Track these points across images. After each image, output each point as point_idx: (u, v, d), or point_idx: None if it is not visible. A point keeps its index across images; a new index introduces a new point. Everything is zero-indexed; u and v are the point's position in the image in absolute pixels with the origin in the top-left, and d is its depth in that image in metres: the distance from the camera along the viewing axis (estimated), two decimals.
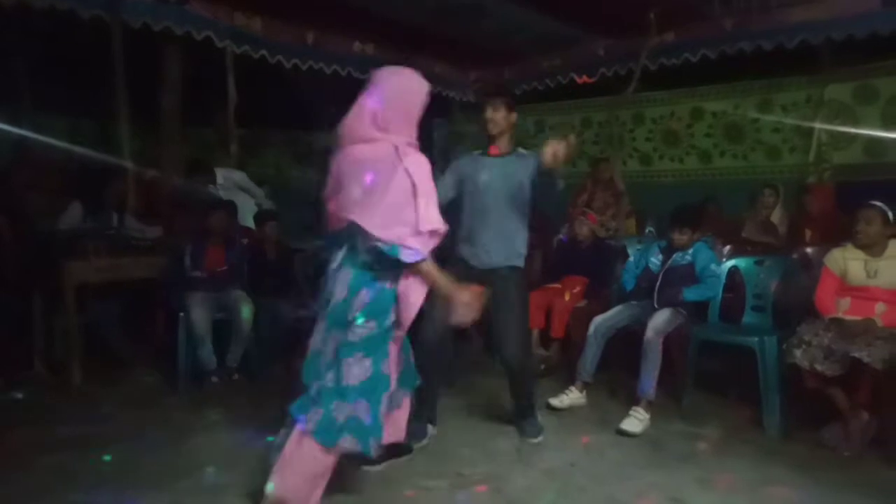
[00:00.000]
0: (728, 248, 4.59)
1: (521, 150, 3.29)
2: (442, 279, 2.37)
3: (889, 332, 3.09)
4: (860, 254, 3.33)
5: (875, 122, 5.42)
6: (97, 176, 4.94)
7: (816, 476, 2.87)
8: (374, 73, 2.44)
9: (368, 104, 2.37)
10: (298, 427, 2.37)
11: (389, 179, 2.27)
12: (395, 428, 2.63)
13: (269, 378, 4.35)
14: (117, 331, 4.65)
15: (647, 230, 5.66)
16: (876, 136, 5.38)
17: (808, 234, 4.87)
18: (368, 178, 2.29)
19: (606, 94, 6.67)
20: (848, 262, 3.34)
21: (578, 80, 6.32)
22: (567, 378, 3.97)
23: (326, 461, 2.38)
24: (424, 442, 3.21)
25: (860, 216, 3.32)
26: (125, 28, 4.69)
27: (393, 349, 2.46)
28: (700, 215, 4.12)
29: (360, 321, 2.35)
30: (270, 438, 2.65)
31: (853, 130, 5.49)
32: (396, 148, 2.31)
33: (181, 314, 4.16)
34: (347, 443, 2.35)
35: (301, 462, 2.36)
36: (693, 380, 3.73)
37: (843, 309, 3.32)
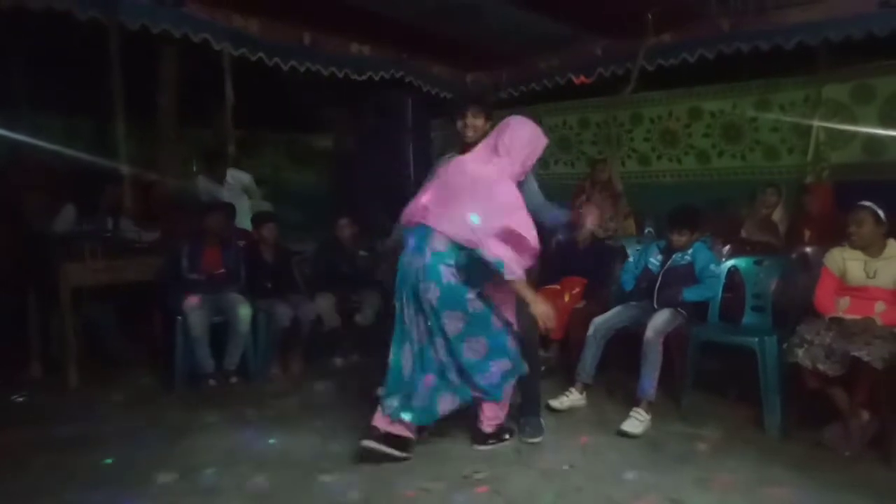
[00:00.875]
0: (727, 248, 4.58)
1: None
2: (529, 292, 2.89)
3: (888, 330, 3.09)
4: (859, 254, 3.31)
5: (872, 122, 5.42)
6: (93, 179, 4.93)
7: (816, 476, 2.86)
8: (509, 118, 3.03)
9: (496, 135, 2.98)
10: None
11: (495, 196, 2.83)
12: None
13: (267, 381, 4.35)
14: (114, 332, 4.64)
15: (645, 230, 5.64)
16: (873, 135, 5.39)
17: (807, 233, 4.86)
18: (482, 193, 2.84)
19: (604, 94, 6.67)
20: (847, 262, 3.33)
21: (576, 81, 6.32)
22: (566, 379, 3.96)
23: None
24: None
25: (851, 219, 3.31)
26: (122, 29, 4.67)
27: None
28: (698, 216, 4.11)
29: (473, 294, 2.90)
30: None
31: (851, 128, 5.50)
32: (501, 171, 2.89)
33: (178, 317, 4.14)
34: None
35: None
36: (693, 380, 3.72)
37: (843, 308, 3.31)
